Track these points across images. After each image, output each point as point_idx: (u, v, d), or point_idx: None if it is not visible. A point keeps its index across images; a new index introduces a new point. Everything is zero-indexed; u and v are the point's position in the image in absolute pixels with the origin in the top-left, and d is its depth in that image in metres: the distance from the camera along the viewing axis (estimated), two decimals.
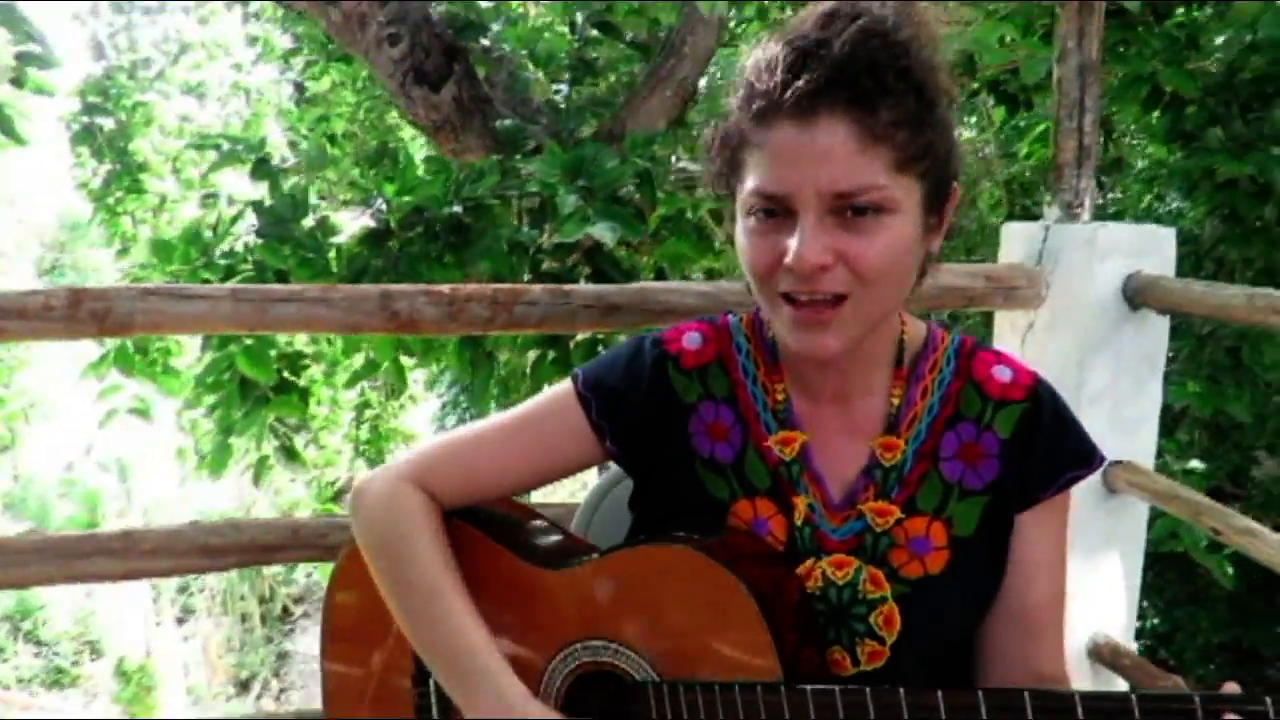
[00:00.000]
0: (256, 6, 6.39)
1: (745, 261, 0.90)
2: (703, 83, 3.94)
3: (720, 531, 0.95)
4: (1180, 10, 3.09)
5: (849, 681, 0.89)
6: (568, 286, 1.74)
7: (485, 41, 2.94)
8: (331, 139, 4.96)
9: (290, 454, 2.88)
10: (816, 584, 0.93)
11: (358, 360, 2.87)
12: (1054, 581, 0.99)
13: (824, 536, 0.95)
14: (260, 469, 2.93)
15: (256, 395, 2.66)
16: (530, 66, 3.10)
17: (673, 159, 2.97)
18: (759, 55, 0.88)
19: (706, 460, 0.99)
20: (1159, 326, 1.94)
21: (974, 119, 4.75)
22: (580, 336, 2.36)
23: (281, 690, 9.65)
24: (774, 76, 0.84)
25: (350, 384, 3.21)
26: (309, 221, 2.53)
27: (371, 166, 4.34)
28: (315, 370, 3.88)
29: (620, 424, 1.01)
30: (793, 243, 0.84)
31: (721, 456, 0.99)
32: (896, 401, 0.98)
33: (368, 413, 5.09)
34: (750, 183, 0.87)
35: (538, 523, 1.09)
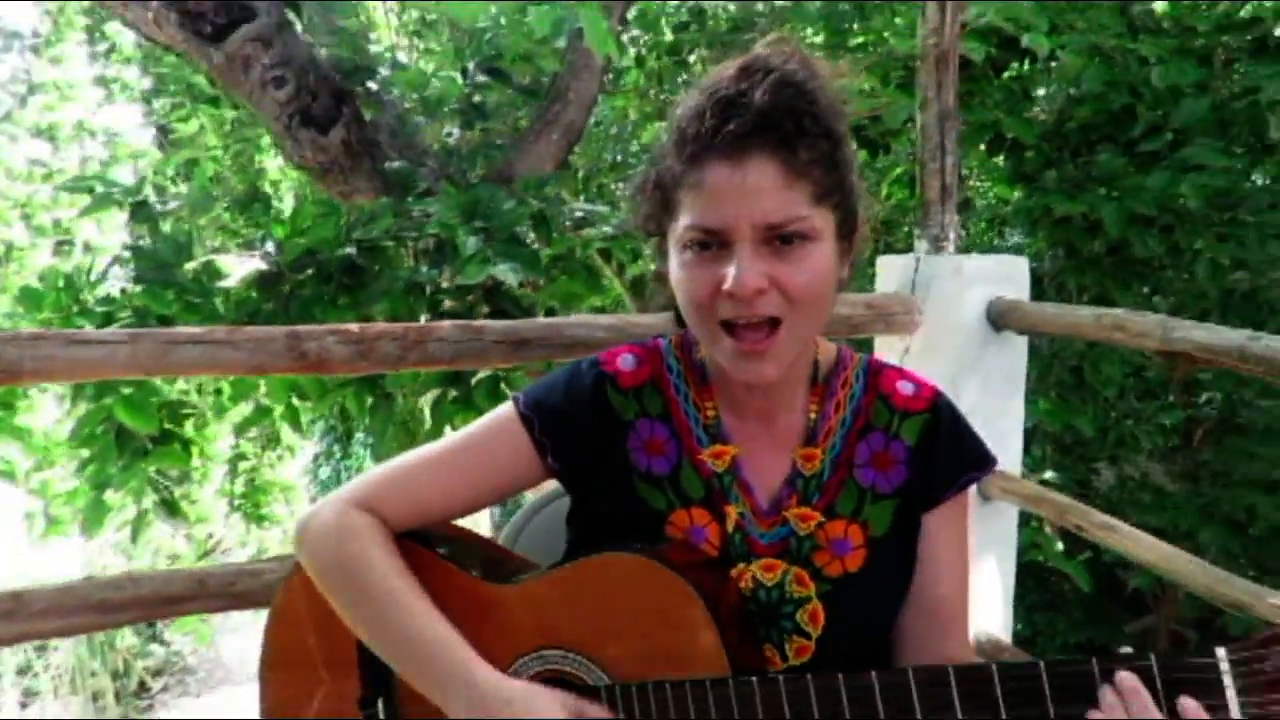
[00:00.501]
0: (106, 46, 6.11)
1: (684, 292, 0.98)
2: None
3: (663, 541, 1.02)
4: (1014, 65, 3.43)
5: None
6: (479, 322, 1.78)
7: (373, 85, 2.96)
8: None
9: (172, 508, 2.74)
10: (748, 586, 1.01)
11: (245, 407, 2.78)
12: (959, 575, 1.09)
13: (754, 541, 1.02)
14: (139, 525, 2.77)
15: (135, 447, 2.54)
16: (419, 110, 3.12)
17: (561, 200, 3.04)
18: (687, 105, 0.97)
19: (644, 474, 1.05)
20: (1019, 346, 2.15)
21: None
22: (481, 374, 2.38)
23: None
24: (704, 122, 0.93)
25: (241, 430, 3.09)
26: (193, 265, 2.46)
27: (243, 210, 4.22)
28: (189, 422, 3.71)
29: (562, 441, 1.06)
30: (730, 271, 0.92)
31: (658, 470, 1.05)
32: (814, 415, 1.07)
33: (243, 465, 4.88)
34: (686, 219, 0.95)
35: (483, 543, 1.12)
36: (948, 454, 1.07)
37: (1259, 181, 3.58)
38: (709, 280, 0.94)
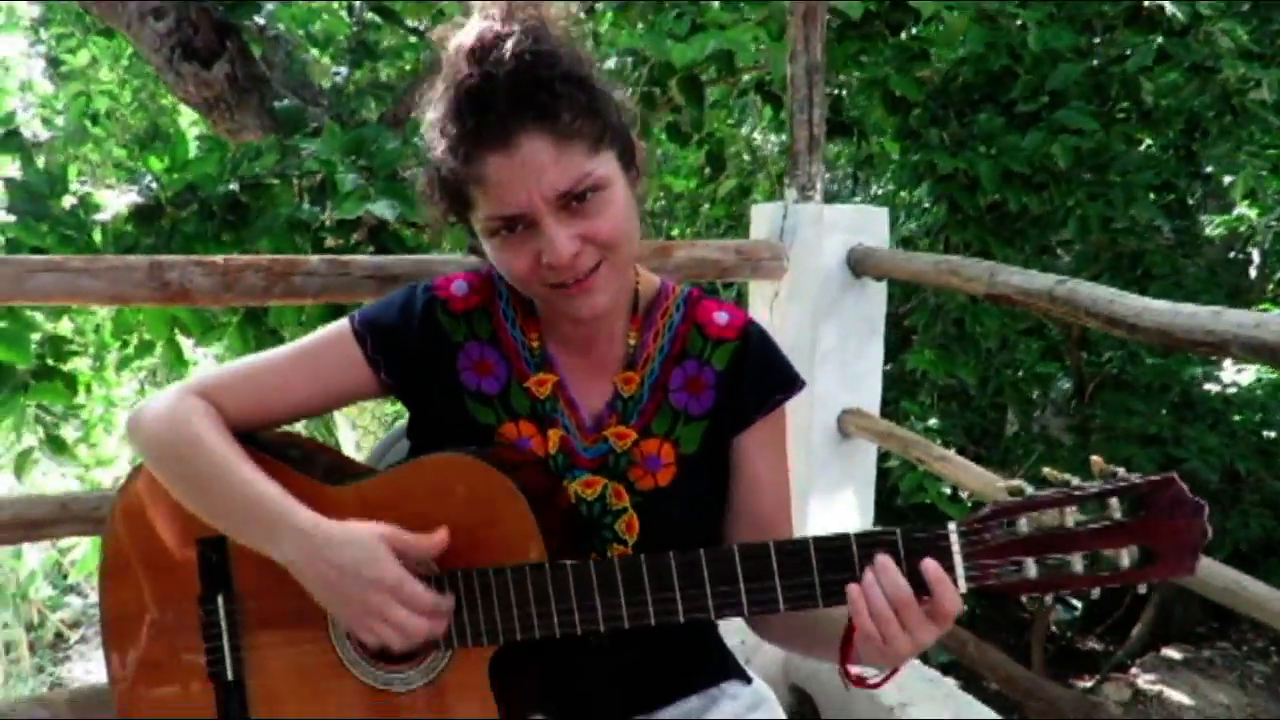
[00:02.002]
0: None
1: (506, 271, 1.04)
2: None
3: (493, 444, 1.10)
4: (910, 24, 3.52)
5: None
6: (346, 257, 1.81)
7: (259, 20, 2.89)
8: (94, 118, 4.61)
9: (57, 444, 2.72)
10: (571, 501, 1.10)
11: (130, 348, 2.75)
12: (779, 489, 1.19)
13: (577, 456, 1.11)
14: (23, 463, 2.74)
15: (14, 382, 2.52)
16: (309, 48, 3.06)
17: None
18: (440, 109, 0.99)
19: (474, 393, 1.13)
20: (878, 291, 2.26)
21: (745, 116, 5.13)
22: None
23: None
24: (463, 120, 0.96)
25: (122, 366, 3.05)
26: (69, 199, 2.42)
27: (142, 148, 4.11)
28: (84, 364, 3.65)
29: (394, 359, 1.12)
30: (544, 246, 0.98)
31: (488, 389, 1.13)
32: (633, 343, 1.16)
33: None
34: (484, 211, 1.00)
35: (321, 449, 1.18)
36: (755, 379, 1.16)
37: (1152, 145, 3.76)
38: (526, 256, 1.00)
